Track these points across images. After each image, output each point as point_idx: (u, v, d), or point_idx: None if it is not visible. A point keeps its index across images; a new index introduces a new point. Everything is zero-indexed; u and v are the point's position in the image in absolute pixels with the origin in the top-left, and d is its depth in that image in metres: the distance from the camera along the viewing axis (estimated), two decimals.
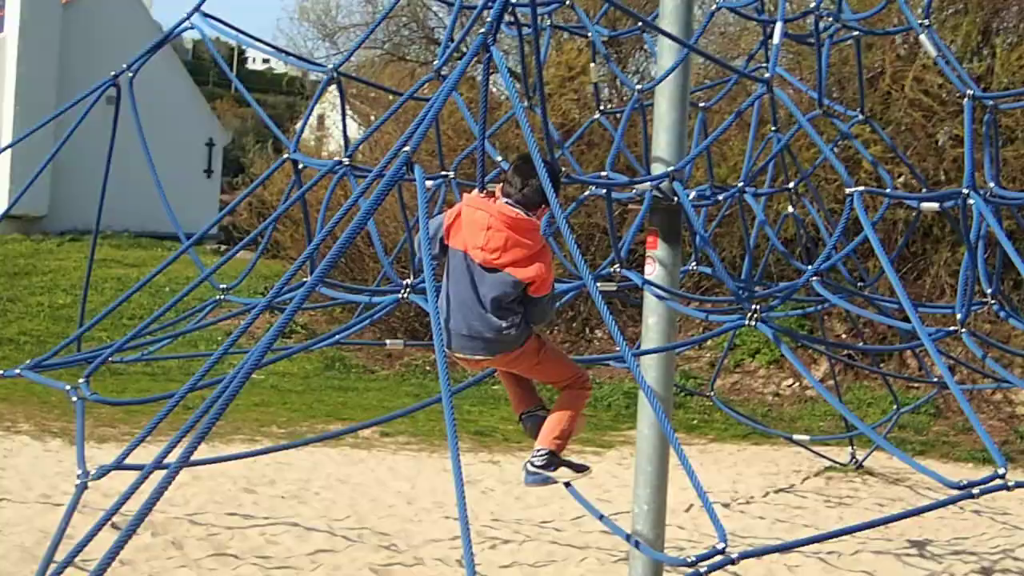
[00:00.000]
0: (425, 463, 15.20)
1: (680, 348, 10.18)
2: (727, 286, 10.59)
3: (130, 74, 11.25)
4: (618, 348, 6.63)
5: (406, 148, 6.47)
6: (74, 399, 9.97)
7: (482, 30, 6.94)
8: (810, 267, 10.25)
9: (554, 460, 7.32)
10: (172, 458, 6.14)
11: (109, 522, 6.66)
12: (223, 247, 35.19)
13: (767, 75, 10.23)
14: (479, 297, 6.86)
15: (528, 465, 7.34)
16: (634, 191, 9.43)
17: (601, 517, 7.82)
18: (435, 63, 11.20)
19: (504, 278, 6.80)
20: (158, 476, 5.99)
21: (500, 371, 7.73)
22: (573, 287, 10.70)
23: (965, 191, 9.52)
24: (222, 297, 11.46)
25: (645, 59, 26.84)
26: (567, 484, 7.54)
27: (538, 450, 7.33)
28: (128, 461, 8.10)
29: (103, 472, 8.69)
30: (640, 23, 10.63)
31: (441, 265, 7.01)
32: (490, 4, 7.48)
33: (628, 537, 8.05)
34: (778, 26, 10.13)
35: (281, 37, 44.95)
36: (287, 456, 14.45)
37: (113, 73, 11.37)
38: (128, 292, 12.18)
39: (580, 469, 7.51)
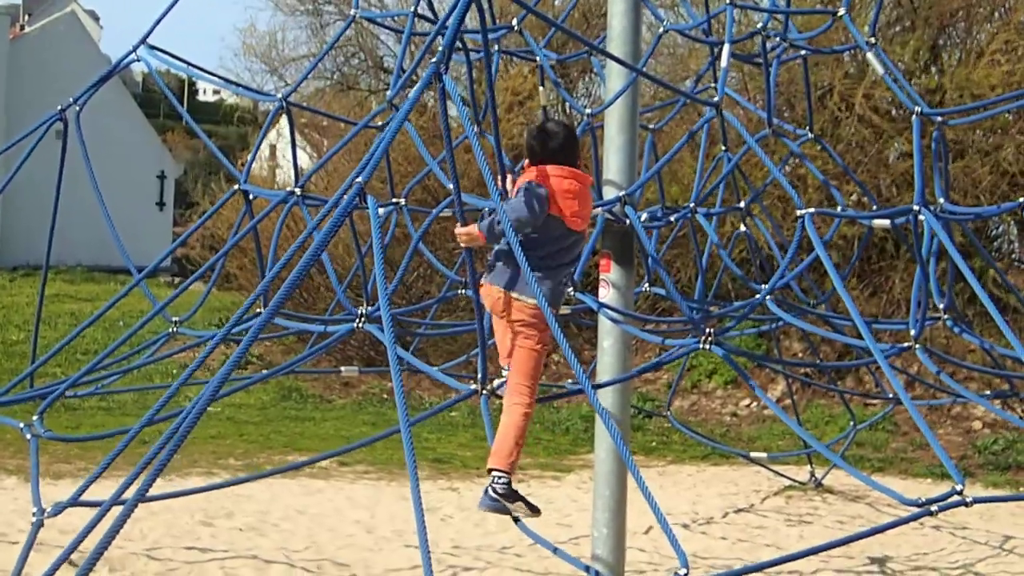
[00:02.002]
0: (384, 492, 15.12)
1: (637, 373, 10.17)
2: (684, 303, 10.59)
3: (77, 108, 11.20)
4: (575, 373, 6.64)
5: (359, 179, 6.46)
6: (28, 436, 9.88)
7: (434, 59, 6.93)
8: (764, 286, 10.28)
9: (515, 495, 7.50)
10: (129, 493, 6.09)
11: (67, 560, 6.60)
12: (177, 279, 35.06)
13: (716, 97, 10.27)
14: (570, 259, 7.51)
15: (490, 490, 7.38)
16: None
17: (555, 550, 7.85)
18: (387, 93, 11.20)
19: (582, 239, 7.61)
20: (116, 512, 5.94)
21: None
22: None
23: (916, 208, 9.57)
24: (175, 330, 11.40)
25: (593, 82, 26.90)
26: (516, 520, 7.59)
27: (497, 476, 7.43)
28: (85, 497, 8.04)
29: (59, 509, 8.62)
30: (587, 47, 10.65)
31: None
32: (441, 32, 7.48)
33: (587, 568, 8.07)
34: (725, 48, 10.18)
35: (227, 74, 44.89)
36: (244, 488, 14.35)
37: (60, 107, 11.31)
38: (81, 327, 12.10)
39: (533, 510, 7.66)
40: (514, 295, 7.35)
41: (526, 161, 7.67)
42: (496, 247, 7.46)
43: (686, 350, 10.03)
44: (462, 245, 7.45)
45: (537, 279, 7.02)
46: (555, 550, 7.83)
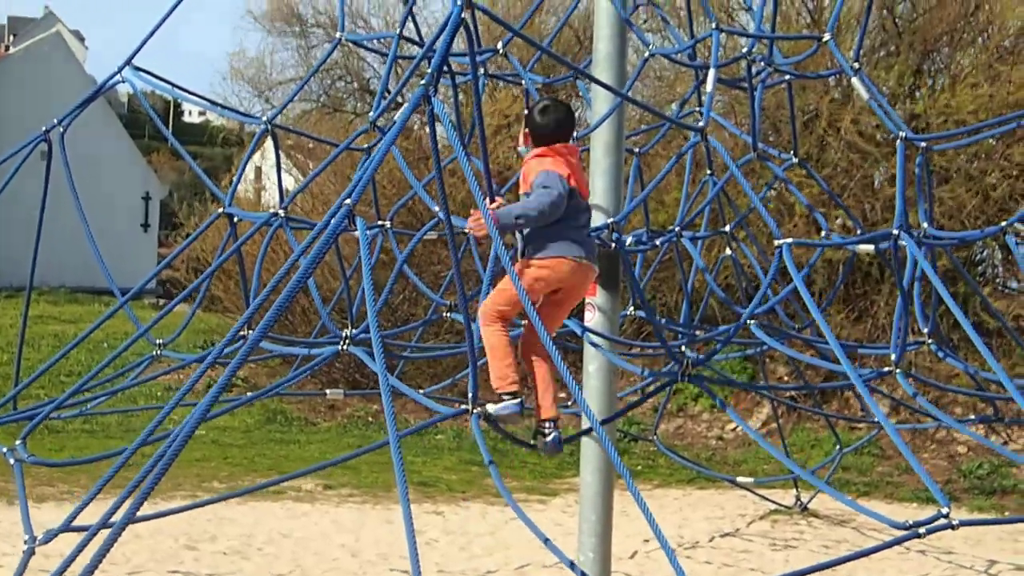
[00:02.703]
0: (369, 515, 15.08)
1: (624, 412, 10.21)
2: (668, 333, 10.60)
3: (61, 128, 11.17)
4: (562, 395, 6.65)
5: (347, 201, 6.46)
6: (11, 462, 9.85)
7: (423, 81, 6.92)
8: (746, 311, 10.31)
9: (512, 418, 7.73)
10: (116, 518, 6.06)
11: None
12: (161, 301, 34.98)
13: (701, 122, 10.28)
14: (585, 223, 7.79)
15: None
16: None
17: (546, 541, 7.90)
18: (371, 114, 11.20)
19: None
20: (102, 536, 5.92)
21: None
22: (513, 335, 10.65)
23: (895, 232, 9.59)
24: (159, 352, 11.38)
25: (579, 105, 26.94)
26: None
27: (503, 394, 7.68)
28: (64, 521, 8.01)
29: (50, 536, 8.58)
30: (573, 71, 10.65)
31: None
32: (429, 55, 7.48)
33: (572, 565, 8.09)
34: (711, 73, 10.19)
35: (216, 98, 44.84)
36: (229, 511, 14.30)
37: (44, 128, 11.29)
38: (65, 349, 12.07)
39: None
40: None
41: (525, 132, 7.88)
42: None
43: (665, 383, 10.07)
44: (468, 230, 7.49)
45: (575, 245, 7.55)
46: (546, 540, 7.87)
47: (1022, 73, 20.02)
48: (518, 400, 7.57)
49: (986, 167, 20.52)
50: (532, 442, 7.94)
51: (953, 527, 7.08)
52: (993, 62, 20.85)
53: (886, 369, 10.20)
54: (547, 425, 7.76)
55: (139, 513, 6.24)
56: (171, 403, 6.88)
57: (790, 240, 9.68)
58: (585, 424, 8.94)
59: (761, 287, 10.80)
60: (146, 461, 6.18)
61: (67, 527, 8.19)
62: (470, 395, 7.47)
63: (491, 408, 7.59)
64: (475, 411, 7.55)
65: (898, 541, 7.44)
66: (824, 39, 11.37)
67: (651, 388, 12.79)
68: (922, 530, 7.05)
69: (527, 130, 7.85)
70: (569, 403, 13.22)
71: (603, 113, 9.35)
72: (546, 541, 7.90)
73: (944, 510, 7.05)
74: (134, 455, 7.61)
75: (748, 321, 10.47)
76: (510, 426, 7.79)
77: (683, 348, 10.82)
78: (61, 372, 22.95)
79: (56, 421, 14.81)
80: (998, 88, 20.26)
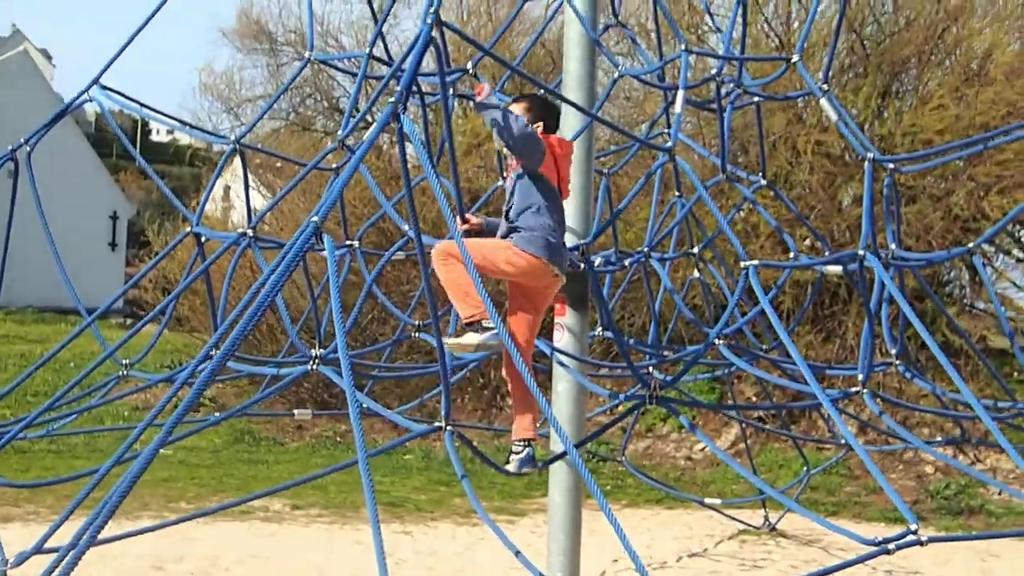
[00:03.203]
0: (337, 535, 15.03)
1: (593, 437, 10.22)
2: (637, 354, 10.60)
3: (28, 148, 11.12)
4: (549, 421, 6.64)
5: (315, 219, 6.44)
6: None
7: (391, 99, 6.91)
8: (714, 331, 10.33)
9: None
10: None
11: None
12: (129, 321, 34.83)
13: (669, 143, 10.30)
14: (564, 219, 7.93)
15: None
16: None
17: (517, 553, 7.87)
18: (339, 132, 11.19)
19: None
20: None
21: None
22: (484, 354, 10.66)
23: (862, 253, 9.63)
24: (125, 372, 11.33)
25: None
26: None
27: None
28: (36, 543, 7.97)
29: (22, 559, 8.52)
30: (543, 91, 10.66)
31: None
32: (398, 74, 7.49)
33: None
34: (679, 94, 10.21)
35: (185, 112, 44.72)
36: (196, 531, 14.24)
37: (11, 147, 11.24)
38: (31, 368, 12.00)
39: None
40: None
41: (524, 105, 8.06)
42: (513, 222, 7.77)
43: (632, 407, 10.08)
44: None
45: (554, 251, 7.73)
46: (517, 553, 7.85)
47: (988, 95, 20.13)
48: (494, 330, 7.52)
49: (952, 188, 20.63)
50: (505, 465, 7.95)
51: (922, 543, 7.11)
52: (960, 84, 20.97)
53: (853, 390, 10.23)
54: (518, 444, 7.77)
55: (106, 534, 6.20)
56: (142, 424, 6.86)
57: (756, 262, 9.73)
58: (555, 441, 8.94)
59: (728, 308, 10.83)
60: (115, 482, 6.15)
61: (39, 549, 8.14)
62: (443, 412, 7.45)
63: (476, 338, 7.57)
64: (448, 428, 7.54)
65: (868, 557, 7.45)
66: (793, 60, 11.42)
67: (620, 410, 12.80)
68: (891, 546, 7.08)
69: (528, 106, 7.99)
70: (538, 424, 13.21)
71: (573, 133, 9.37)
72: (517, 553, 7.89)
73: (913, 527, 7.08)
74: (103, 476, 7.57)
75: (716, 341, 10.49)
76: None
77: (651, 369, 10.83)
78: (27, 392, 22.84)
79: (22, 441, 14.70)
80: (964, 110, 20.38)
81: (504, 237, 7.71)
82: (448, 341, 7.80)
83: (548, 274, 7.72)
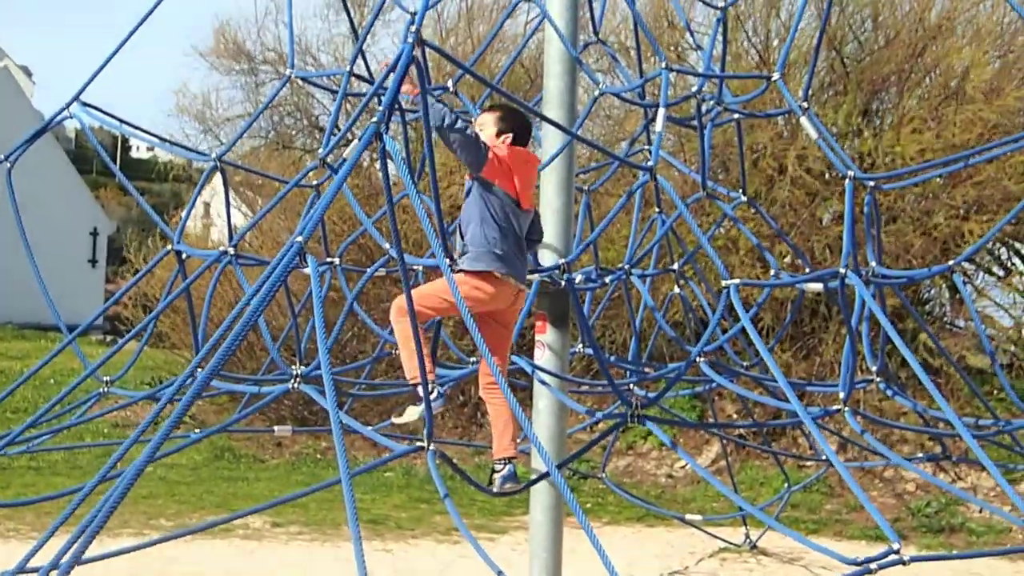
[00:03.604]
0: (317, 552, 15.00)
1: (575, 457, 10.22)
2: (618, 371, 10.60)
3: (8, 164, 11.09)
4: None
5: (299, 238, 6.44)
6: None
7: (374, 119, 6.91)
8: (695, 349, 10.34)
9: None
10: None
11: None
12: (109, 337, 34.75)
13: (650, 161, 10.31)
14: (521, 230, 7.87)
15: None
16: None
17: (499, 573, 7.87)
18: (320, 150, 11.18)
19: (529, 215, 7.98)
20: None
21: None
22: (466, 371, 10.66)
23: (843, 271, 9.65)
24: (106, 390, 11.30)
25: (530, 142, 26.92)
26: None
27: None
28: (19, 562, 7.94)
29: None
30: (523, 109, 10.67)
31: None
32: (379, 92, 7.49)
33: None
34: (660, 112, 10.22)
35: (163, 132, 44.58)
36: (176, 550, 14.18)
37: None
38: (12, 386, 11.97)
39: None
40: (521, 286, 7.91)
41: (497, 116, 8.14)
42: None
43: (613, 426, 10.08)
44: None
45: (505, 262, 7.69)
46: (499, 573, 7.86)
47: (967, 115, 20.20)
48: (439, 397, 7.65)
49: (932, 207, 20.68)
50: (488, 485, 7.96)
51: (904, 563, 7.11)
52: (939, 103, 21.04)
53: (835, 407, 10.24)
54: (499, 463, 7.78)
55: (87, 554, 6.19)
56: (127, 443, 6.82)
57: (737, 281, 9.75)
58: (535, 459, 8.94)
59: (709, 325, 10.83)
60: (97, 499, 6.14)
61: (22, 569, 8.12)
62: (425, 431, 7.44)
63: (416, 411, 7.70)
64: (431, 448, 7.53)
65: None
66: (773, 78, 11.44)
67: (601, 428, 12.80)
68: (873, 566, 7.09)
69: (500, 116, 8.06)
70: (518, 441, 13.19)
71: (553, 151, 9.39)
72: (499, 573, 7.89)
73: (895, 546, 7.09)
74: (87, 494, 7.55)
75: (697, 359, 10.50)
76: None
77: (632, 386, 10.83)
78: (7, 409, 22.77)
79: (2, 458, 14.67)
80: (942, 129, 20.45)
81: (461, 255, 7.73)
82: (395, 420, 7.89)
83: (509, 289, 7.73)
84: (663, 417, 14.30)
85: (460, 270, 7.68)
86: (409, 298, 7.27)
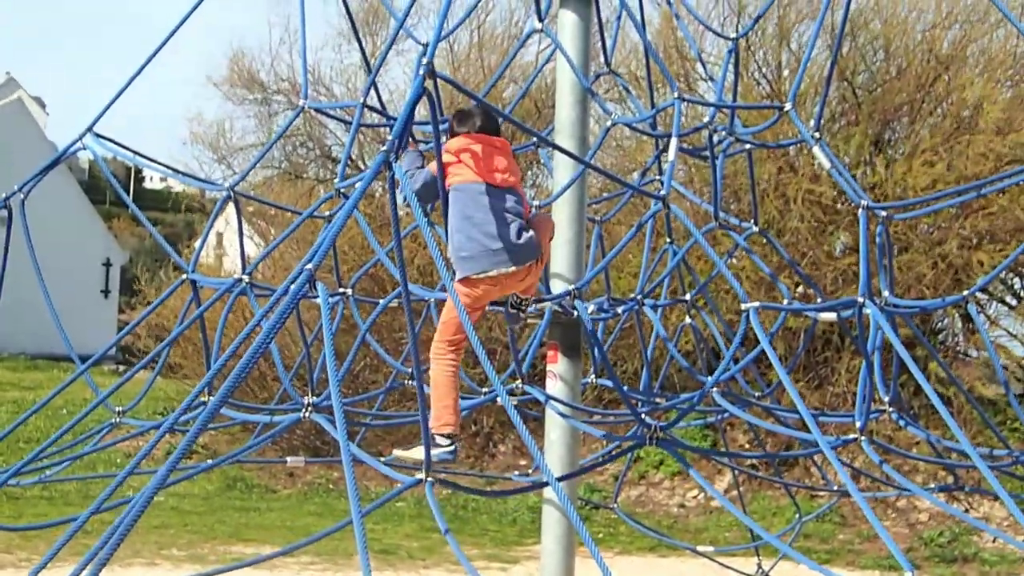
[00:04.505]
0: None
1: (587, 469, 10.20)
2: (632, 399, 10.57)
3: (21, 195, 11.11)
4: (523, 462, 6.63)
5: (309, 266, 6.44)
6: None
7: (384, 147, 6.92)
8: (710, 378, 10.30)
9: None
10: None
11: None
12: (121, 367, 34.77)
13: (662, 191, 10.31)
14: (505, 213, 7.73)
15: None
16: (534, 308, 9.44)
17: None
18: (335, 181, 11.19)
19: (516, 194, 7.85)
20: None
21: None
22: (477, 402, 10.64)
23: (860, 299, 9.62)
24: (118, 420, 11.30)
25: (541, 172, 26.98)
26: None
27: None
28: None
29: None
30: (536, 139, 10.68)
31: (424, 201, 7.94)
32: (390, 123, 7.51)
33: None
34: (672, 142, 10.21)
35: (176, 162, 44.70)
36: None
37: (4, 195, 11.22)
38: (24, 415, 11.97)
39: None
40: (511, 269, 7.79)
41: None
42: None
43: (631, 447, 10.04)
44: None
45: (480, 260, 7.70)
46: None
47: (979, 146, 20.21)
48: (452, 447, 7.63)
49: (944, 236, 20.68)
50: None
51: None
52: (951, 135, 21.05)
53: (851, 436, 10.20)
54: (443, 438, 7.74)
55: None
56: (127, 468, 6.81)
57: (757, 304, 9.69)
58: (548, 490, 8.93)
59: (724, 354, 10.80)
60: (105, 528, 6.14)
61: None
62: (424, 462, 7.42)
63: (403, 452, 7.79)
64: (428, 479, 7.52)
65: None
66: (786, 108, 11.43)
67: (616, 451, 12.75)
68: None
69: (449, 128, 8.17)
70: (531, 471, 13.17)
71: (566, 181, 9.40)
72: None
73: (908, 574, 7.05)
74: (93, 522, 7.55)
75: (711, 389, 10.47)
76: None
77: (644, 416, 10.81)
78: (20, 439, 22.80)
79: (15, 488, 14.67)
80: (953, 160, 20.46)
81: None
82: (397, 453, 7.89)
83: (490, 283, 7.80)
84: (678, 443, 14.25)
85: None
86: (412, 327, 7.29)
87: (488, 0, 28.12)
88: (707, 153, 11.67)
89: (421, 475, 7.43)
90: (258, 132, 34.42)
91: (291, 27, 31.70)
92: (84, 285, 44.01)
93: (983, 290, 20.83)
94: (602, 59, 12.42)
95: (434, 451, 7.46)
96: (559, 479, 9.09)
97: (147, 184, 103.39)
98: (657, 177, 12.60)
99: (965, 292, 10.84)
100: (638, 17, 11.30)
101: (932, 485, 17.62)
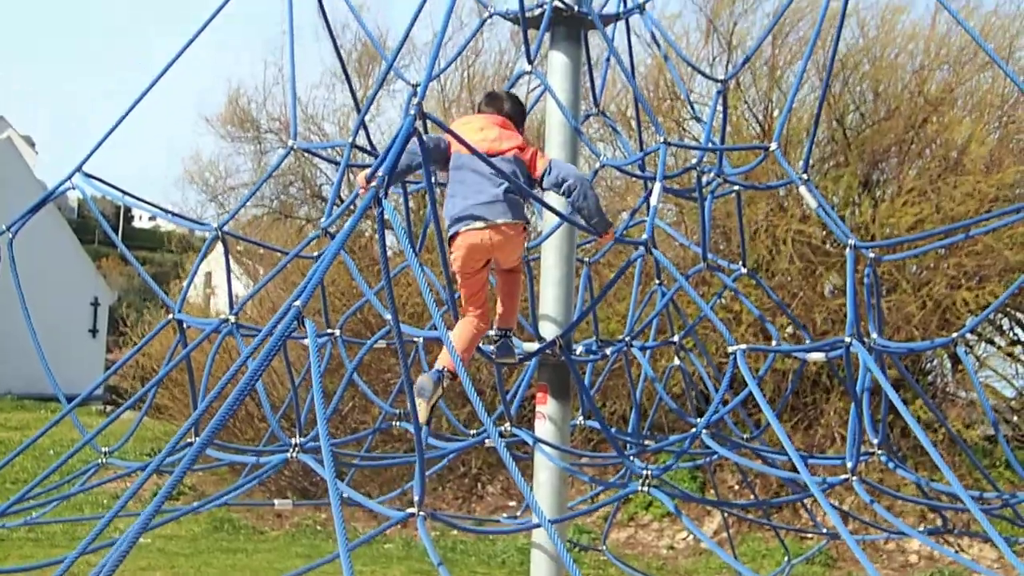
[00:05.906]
0: None
1: (578, 515, 10.16)
2: (620, 441, 10.53)
3: (10, 235, 11.09)
4: (512, 504, 6.60)
5: (296, 303, 6.42)
6: None
7: (373, 184, 6.90)
8: (699, 420, 10.29)
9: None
10: None
11: None
12: (108, 407, 34.69)
13: (644, 236, 10.30)
14: (490, 175, 8.05)
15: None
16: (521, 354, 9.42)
17: None
18: (322, 220, 11.19)
19: (508, 158, 8.21)
20: None
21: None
22: (464, 444, 10.60)
23: (848, 340, 9.61)
24: (104, 460, 11.25)
25: (531, 212, 26.99)
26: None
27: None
28: None
29: None
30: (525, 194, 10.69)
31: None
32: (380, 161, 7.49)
33: None
34: (656, 187, 10.22)
35: (168, 201, 44.71)
36: None
37: None
38: (10, 456, 11.91)
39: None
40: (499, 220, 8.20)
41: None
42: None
43: (623, 493, 10.01)
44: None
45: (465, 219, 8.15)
46: None
47: (967, 187, 20.27)
48: (439, 373, 8.04)
49: (931, 277, 20.71)
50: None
51: None
52: (938, 176, 21.11)
53: (843, 477, 10.18)
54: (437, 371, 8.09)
55: None
56: (114, 510, 6.77)
57: (744, 346, 9.68)
58: (538, 533, 8.89)
59: (713, 397, 10.79)
60: (91, 570, 6.09)
61: None
62: (416, 498, 7.38)
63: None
64: (420, 514, 7.47)
65: None
66: (771, 148, 11.44)
67: (606, 497, 12.71)
68: None
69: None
70: (519, 513, 13.13)
71: (555, 223, 9.39)
72: None
73: None
74: (80, 564, 7.50)
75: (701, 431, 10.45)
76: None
77: (633, 458, 10.77)
78: (6, 480, 22.72)
79: (1, 530, 14.60)
80: (940, 201, 20.51)
81: None
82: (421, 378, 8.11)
83: (472, 236, 8.13)
84: (667, 489, 14.21)
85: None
86: (406, 369, 7.28)
87: (479, 41, 28.22)
88: (696, 194, 11.68)
89: (413, 509, 7.41)
90: (251, 171, 34.49)
91: (284, 67, 31.85)
92: (72, 324, 43.93)
93: (971, 331, 20.85)
94: (591, 99, 12.44)
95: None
96: (561, 519, 9.08)
97: (136, 223, 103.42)
98: (645, 219, 12.61)
99: (954, 334, 10.83)
100: (627, 60, 11.33)
101: (921, 528, 17.60)
